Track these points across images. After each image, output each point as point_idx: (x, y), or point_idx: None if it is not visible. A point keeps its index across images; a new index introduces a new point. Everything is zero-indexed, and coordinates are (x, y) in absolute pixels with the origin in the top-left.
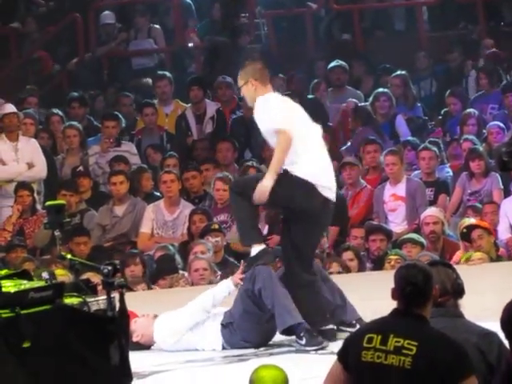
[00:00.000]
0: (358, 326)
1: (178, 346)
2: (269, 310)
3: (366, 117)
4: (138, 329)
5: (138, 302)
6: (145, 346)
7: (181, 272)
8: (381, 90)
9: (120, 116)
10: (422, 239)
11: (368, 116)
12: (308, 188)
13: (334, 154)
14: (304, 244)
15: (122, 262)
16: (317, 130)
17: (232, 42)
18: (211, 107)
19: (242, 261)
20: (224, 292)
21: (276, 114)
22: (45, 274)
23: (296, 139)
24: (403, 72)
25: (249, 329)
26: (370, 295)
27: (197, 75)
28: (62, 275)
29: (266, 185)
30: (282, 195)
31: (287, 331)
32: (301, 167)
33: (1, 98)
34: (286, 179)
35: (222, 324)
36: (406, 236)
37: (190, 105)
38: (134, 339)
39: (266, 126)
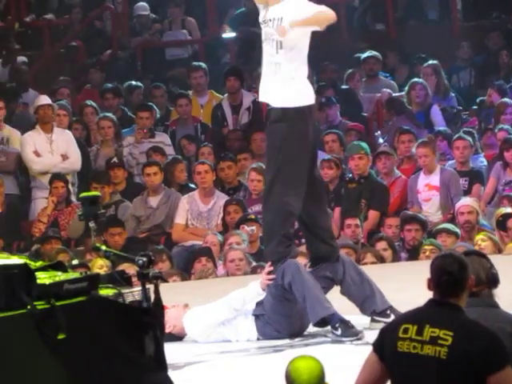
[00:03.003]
0: (390, 314)
1: (210, 339)
2: (300, 303)
3: (400, 107)
4: (169, 320)
5: (172, 293)
6: (177, 337)
7: (219, 262)
8: (416, 79)
9: (154, 107)
10: (456, 229)
11: (402, 106)
12: None
13: (369, 144)
14: None
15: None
16: None
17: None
18: (247, 98)
19: (269, 262)
20: (254, 297)
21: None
22: (74, 261)
23: None
24: (435, 61)
25: (281, 321)
26: (405, 285)
27: (233, 65)
28: (101, 264)
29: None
30: None
31: (320, 323)
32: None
33: (35, 90)
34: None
35: (254, 315)
36: (440, 226)
37: (226, 95)
38: (167, 330)
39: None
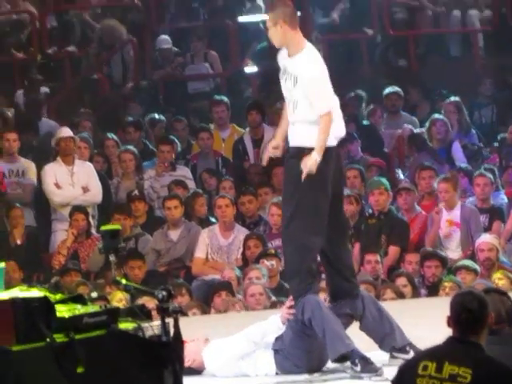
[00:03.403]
0: (409, 351)
1: (230, 373)
2: (320, 339)
3: (421, 143)
4: (188, 354)
5: (192, 326)
6: (197, 371)
7: (238, 296)
8: (437, 115)
9: (175, 140)
10: (476, 266)
11: (423, 142)
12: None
13: (390, 179)
14: None
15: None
16: None
17: None
18: (269, 132)
19: (291, 296)
20: (273, 331)
21: (325, 95)
22: (94, 294)
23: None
24: (457, 98)
25: (301, 356)
26: (425, 322)
27: (255, 100)
28: (121, 298)
29: (315, 158)
30: None
31: (340, 359)
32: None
33: (56, 122)
34: None
35: (273, 349)
36: (460, 263)
37: (247, 129)
38: (186, 364)
39: (312, 98)
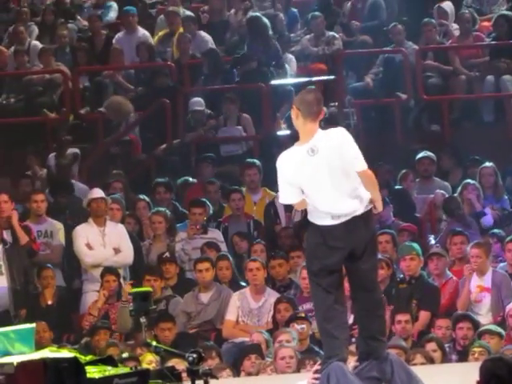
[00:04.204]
0: None
1: None
2: None
3: (455, 207)
4: None
5: None
6: None
7: (267, 359)
8: (469, 180)
9: (207, 202)
10: (499, 329)
11: (457, 207)
12: None
13: (421, 245)
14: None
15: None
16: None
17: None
18: None
19: (318, 362)
20: None
21: (281, 191)
22: (125, 355)
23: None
24: (491, 163)
25: None
26: None
27: None
28: (151, 360)
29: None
30: None
31: None
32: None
33: (87, 183)
34: None
35: None
36: (483, 327)
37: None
38: None
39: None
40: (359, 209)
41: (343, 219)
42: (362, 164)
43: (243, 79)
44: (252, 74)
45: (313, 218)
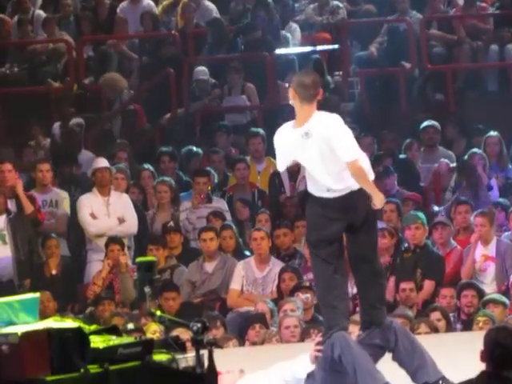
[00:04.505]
0: None
1: None
2: (351, 375)
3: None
4: None
5: (227, 358)
6: None
7: (272, 328)
8: (475, 150)
9: (212, 172)
10: (504, 299)
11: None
12: None
13: (426, 214)
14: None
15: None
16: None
17: (324, 100)
18: None
19: (320, 333)
20: (302, 371)
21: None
22: (130, 326)
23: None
24: (496, 132)
25: None
26: (458, 356)
27: None
28: (155, 330)
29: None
30: None
31: None
32: None
33: (92, 153)
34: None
35: None
36: (487, 297)
37: None
38: None
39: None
40: (354, 184)
41: (339, 194)
42: (351, 154)
43: (247, 49)
44: (256, 44)
45: (311, 189)
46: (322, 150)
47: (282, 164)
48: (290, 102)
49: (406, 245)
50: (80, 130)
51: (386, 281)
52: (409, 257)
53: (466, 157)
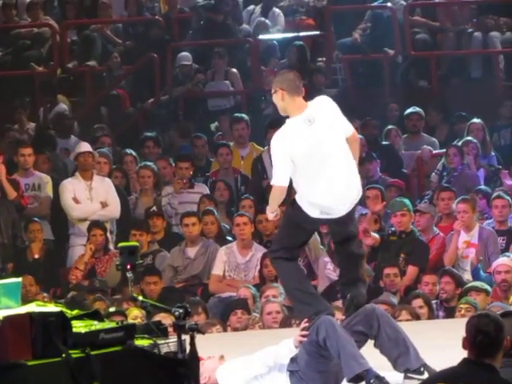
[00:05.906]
0: (423, 372)
1: None
2: (335, 359)
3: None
4: (204, 371)
5: (208, 344)
6: None
7: (254, 314)
8: (470, 138)
9: (194, 157)
10: (486, 286)
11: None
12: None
13: (409, 200)
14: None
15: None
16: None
17: (308, 86)
18: None
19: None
20: (285, 354)
21: (276, 169)
22: (112, 309)
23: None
24: (479, 119)
25: (316, 377)
26: (440, 343)
27: (275, 118)
28: (136, 315)
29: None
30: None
31: (355, 379)
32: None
33: (76, 137)
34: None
35: (288, 371)
36: (470, 284)
37: (267, 147)
38: (201, 382)
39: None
40: (357, 195)
41: (331, 216)
42: (352, 127)
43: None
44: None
45: (302, 202)
46: (331, 134)
47: (280, 175)
48: (280, 108)
49: (393, 229)
50: (68, 115)
51: (363, 259)
52: (394, 240)
53: (460, 143)
